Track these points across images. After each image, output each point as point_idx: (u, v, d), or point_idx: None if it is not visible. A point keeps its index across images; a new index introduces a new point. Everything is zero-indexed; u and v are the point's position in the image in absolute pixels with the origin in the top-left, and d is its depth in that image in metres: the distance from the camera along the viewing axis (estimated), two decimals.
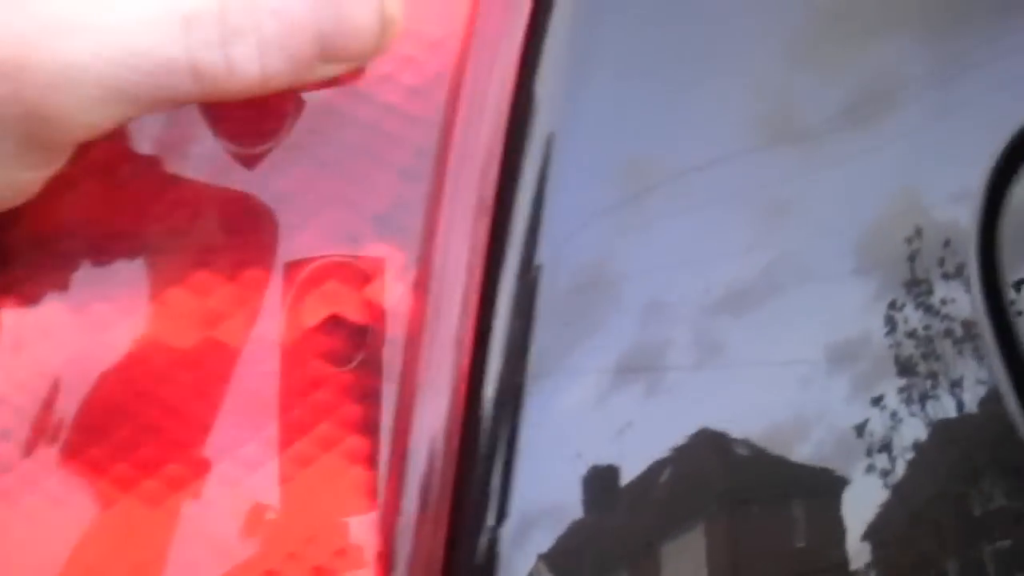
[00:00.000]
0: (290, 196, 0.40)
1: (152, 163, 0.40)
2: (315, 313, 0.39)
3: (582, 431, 0.45)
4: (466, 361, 0.40)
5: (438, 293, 0.40)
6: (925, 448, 0.52)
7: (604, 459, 0.45)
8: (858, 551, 0.51)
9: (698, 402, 0.48)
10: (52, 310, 0.39)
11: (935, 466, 0.53)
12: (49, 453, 0.39)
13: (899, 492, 0.51)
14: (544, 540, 0.43)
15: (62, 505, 0.38)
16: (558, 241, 0.43)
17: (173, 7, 0.35)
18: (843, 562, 0.51)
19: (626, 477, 0.46)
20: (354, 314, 0.39)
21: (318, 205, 0.40)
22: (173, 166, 0.40)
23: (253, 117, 0.40)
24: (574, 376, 0.44)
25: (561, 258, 0.43)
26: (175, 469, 0.38)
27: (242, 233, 0.39)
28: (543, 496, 0.43)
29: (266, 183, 0.40)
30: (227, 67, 0.35)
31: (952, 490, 0.54)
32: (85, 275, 0.40)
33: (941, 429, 0.52)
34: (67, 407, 0.39)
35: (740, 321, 0.48)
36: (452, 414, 0.41)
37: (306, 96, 0.40)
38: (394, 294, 0.40)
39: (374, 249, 0.40)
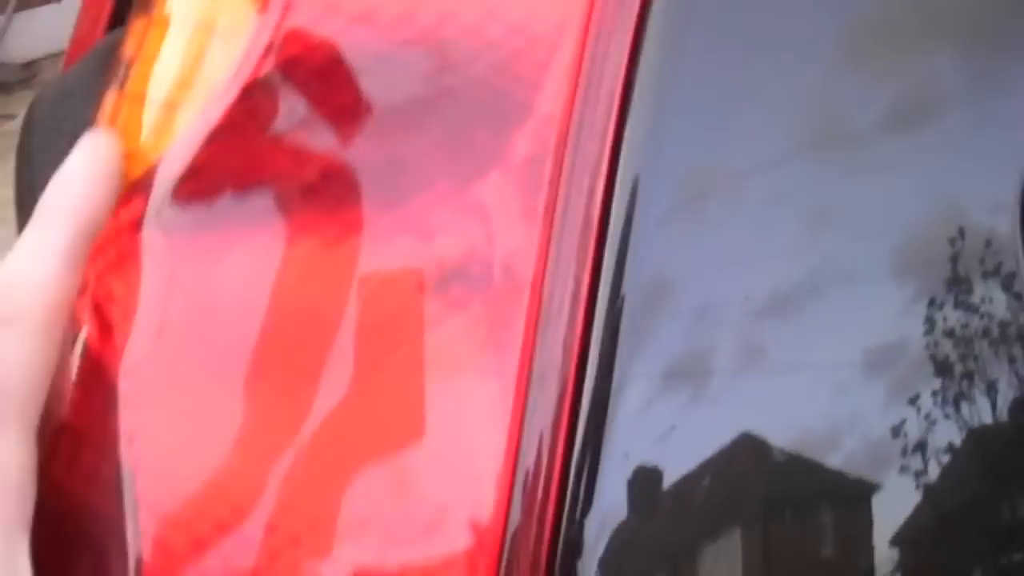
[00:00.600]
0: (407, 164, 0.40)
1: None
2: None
3: (630, 433, 0.45)
4: (573, 365, 0.41)
5: (550, 293, 0.41)
6: (959, 451, 0.52)
7: (649, 462, 0.46)
8: (887, 558, 0.51)
9: (740, 407, 0.48)
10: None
11: (968, 470, 0.53)
12: None
13: (931, 496, 0.52)
14: (597, 542, 0.44)
15: None
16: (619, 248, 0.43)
17: None
18: (872, 569, 0.51)
19: (668, 481, 0.46)
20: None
21: (431, 177, 0.40)
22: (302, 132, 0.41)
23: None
24: (628, 381, 0.45)
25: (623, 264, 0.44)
26: None
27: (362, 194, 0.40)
28: (600, 497, 0.44)
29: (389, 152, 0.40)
30: None
31: (984, 496, 0.54)
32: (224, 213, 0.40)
33: (975, 432, 0.52)
34: None
35: (782, 325, 0.48)
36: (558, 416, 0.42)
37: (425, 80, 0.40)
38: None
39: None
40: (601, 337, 0.42)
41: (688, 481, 0.46)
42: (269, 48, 0.39)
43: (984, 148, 0.50)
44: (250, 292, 0.39)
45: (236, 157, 0.39)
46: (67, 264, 0.39)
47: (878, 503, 0.50)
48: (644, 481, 0.45)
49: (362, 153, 0.40)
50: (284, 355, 0.39)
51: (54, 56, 5.32)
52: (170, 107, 0.41)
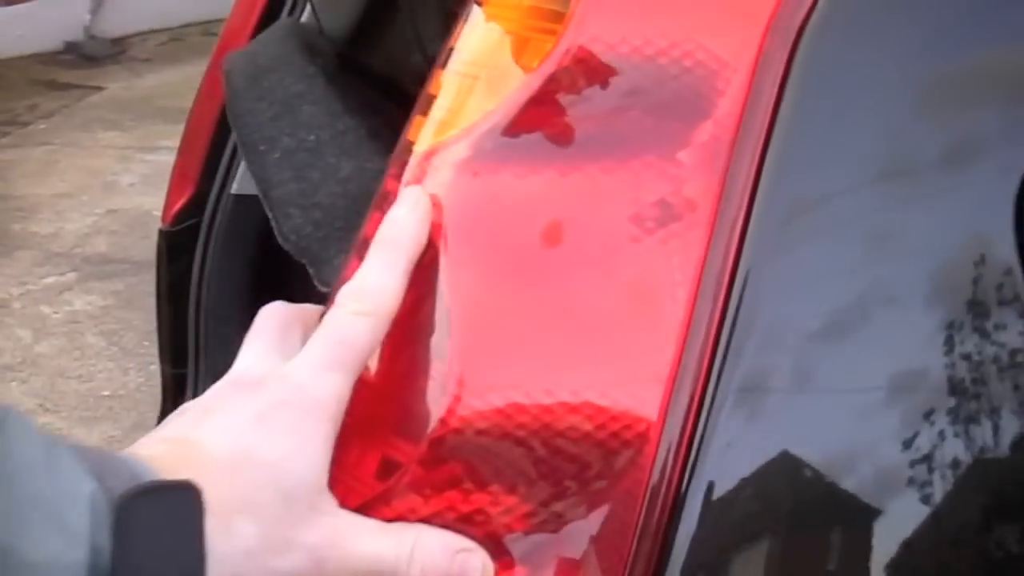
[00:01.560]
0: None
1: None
2: None
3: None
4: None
5: (719, 225, 0.62)
6: (963, 468, 0.62)
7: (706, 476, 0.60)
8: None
9: (784, 425, 0.61)
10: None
11: (970, 487, 0.63)
12: None
13: (935, 514, 0.62)
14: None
15: None
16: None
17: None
18: None
19: (717, 494, 0.60)
20: None
21: (646, 148, 0.62)
22: None
23: None
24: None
25: None
26: None
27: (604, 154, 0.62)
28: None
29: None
30: None
31: (982, 517, 0.65)
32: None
33: (979, 453, 0.63)
34: None
35: (830, 348, 0.61)
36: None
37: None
38: None
39: None
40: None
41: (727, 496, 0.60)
42: (566, 53, 0.61)
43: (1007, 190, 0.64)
44: (534, 207, 0.61)
45: (538, 122, 0.62)
46: (403, 279, 0.61)
47: (884, 520, 0.62)
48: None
49: (608, 130, 0.62)
50: (547, 258, 0.61)
51: (143, 34, 5.58)
52: (487, 83, 0.63)
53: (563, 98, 0.61)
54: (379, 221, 0.63)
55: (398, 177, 0.64)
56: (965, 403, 0.63)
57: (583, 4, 0.61)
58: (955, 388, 0.63)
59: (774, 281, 0.61)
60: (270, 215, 0.96)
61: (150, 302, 1.95)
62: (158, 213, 3.77)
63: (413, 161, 0.64)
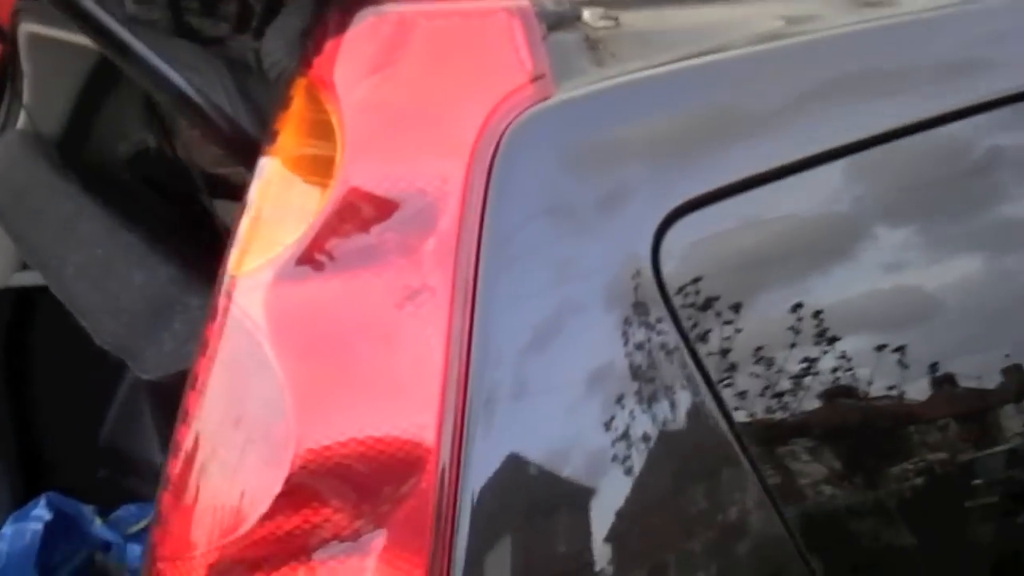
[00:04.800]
0: None
1: None
2: None
3: None
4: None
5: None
6: (652, 443, 0.89)
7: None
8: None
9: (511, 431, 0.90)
10: None
11: (660, 461, 0.88)
12: None
13: (636, 485, 0.88)
14: None
15: None
16: None
17: None
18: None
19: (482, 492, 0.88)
20: None
21: None
22: None
23: None
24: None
25: None
26: None
27: None
28: None
29: None
30: None
31: (671, 484, 0.91)
32: None
33: (663, 425, 0.89)
34: None
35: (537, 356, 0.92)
36: None
37: None
38: None
39: None
40: None
41: None
42: (338, 199, 0.88)
43: None
44: (330, 306, 0.88)
45: (325, 249, 0.89)
46: None
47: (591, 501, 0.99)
48: None
49: (374, 245, 0.90)
50: (341, 339, 0.88)
51: None
52: (280, 222, 0.90)
53: (340, 229, 0.88)
54: (215, 328, 0.89)
55: (226, 295, 0.90)
56: (644, 384, 0.89)
57: (346, 157, 0.89)
58: (635, 373, 0.89)
59: (497, 318, 0.89)
60: (83, 322, 1.18)
61: None
62: None
63: (230, 283, 0.90)
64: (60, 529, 1.87)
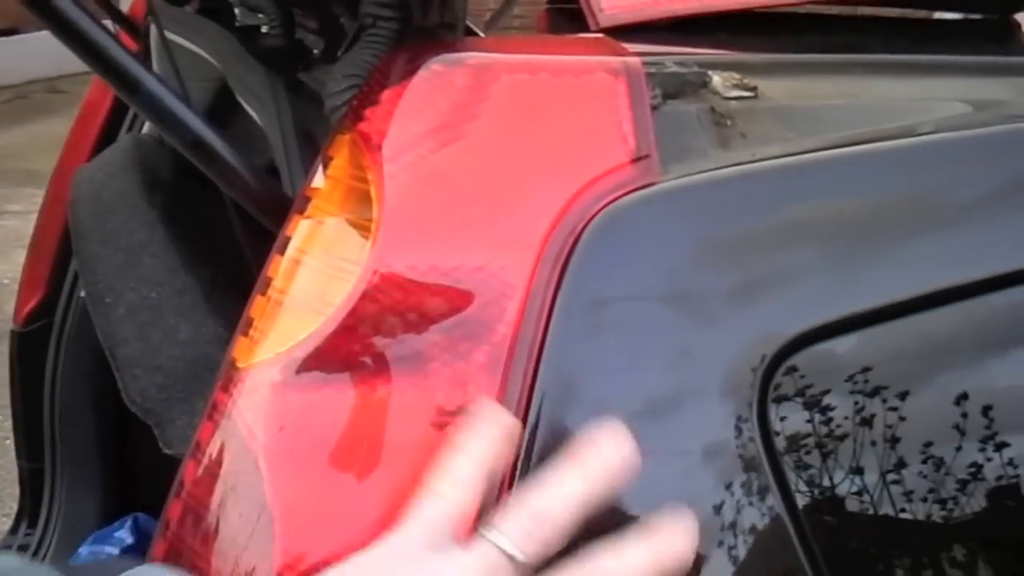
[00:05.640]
0: None
1: None
2: None
3: None
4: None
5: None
6: (761, 533, 0.73)
7: None
8: None
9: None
10: None
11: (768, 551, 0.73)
12: None
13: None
14: None
15: None
16: None
17: None
18: None
19: None
20: None
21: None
22: None
23: None
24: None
25: None
26: None
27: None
28: None
29: None
30: None
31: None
32: None
33: (762, 523, 0.73)
34: None
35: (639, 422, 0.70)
36: None
37: None
38: None
39: None
40: None
41: None
42: (367, 285, 0.71)
43: None
44: (342, 421, 0.71)
45: (344, 347, 0.71)
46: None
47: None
48: None
49: (405, 350, 0.72)
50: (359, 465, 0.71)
51: None
52: (300, 308, 0.73)
53: (362, 327, 0.71)
54: (207, 431, 0.72)
55: (224, 389, 0.73)
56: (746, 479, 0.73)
57: (380, 237, 0.71)
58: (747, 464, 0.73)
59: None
60: (116, 374, 1.04)
61: (3, 374, 1.99)
62: (7, 282, 3.74)
63: (234, 376, 0.73)
64: (144, 554, 1.75)
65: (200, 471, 0.73)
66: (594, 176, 0.74)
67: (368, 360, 0.70)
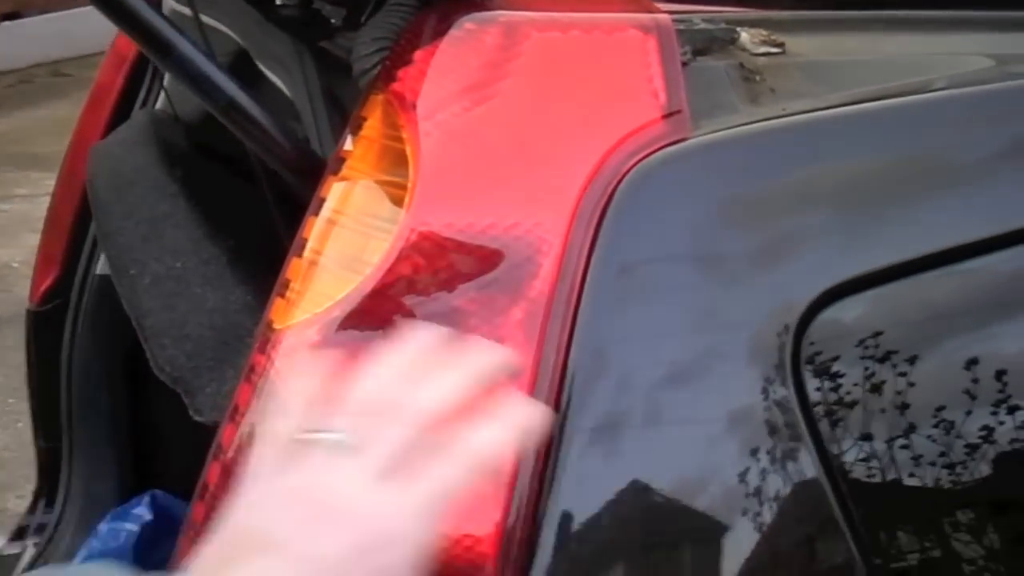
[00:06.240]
0: None
1: None
2: None
3: None
4: None
5: None
6: (784, 498, 0.72)
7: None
8: None
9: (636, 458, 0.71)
10: None
11: (791, 514, 0.72)
12: None
13: (764, 536, 0.71)
14: None
15: None
16: None
17: None
18: None
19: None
20: None
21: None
22: None
23: None
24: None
25: None
26: None
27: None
28: None
29: None
30: None
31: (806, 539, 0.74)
32: None
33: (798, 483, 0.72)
34: None
35: (675, 389, 0.71)
36: None
37: None
38: None
39: None
40: None
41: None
42: (402, 248, 0.71)
43: None
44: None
45: (379, 308, 0.72)
46: None
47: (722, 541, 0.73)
48: None
49: (439, 309, 0.72)
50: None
51: None
52: (335, 270, 0.73)
53: (399, 286, 0.71)
54: (247, 392, 0.73)
55: (261, 350, 0.74)
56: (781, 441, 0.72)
57: (417, 195, 0.71)
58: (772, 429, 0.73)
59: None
60: (144, 344, 1.04)
61: (12, 357, 1.99)
62: (16, 265, 3.75)
63: (272, 337, 0.73)
64: (163, 531, 1.75)
65: (239, 435, 0.73)
66: (626, 132, 0.74)
67: (406, 318, 0.71)
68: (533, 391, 0.70)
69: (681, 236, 0.74)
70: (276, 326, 0.74)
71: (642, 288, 0.73)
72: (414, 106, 0.73)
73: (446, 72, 0.74)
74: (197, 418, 0.95)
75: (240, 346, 0.97)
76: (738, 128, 0.77)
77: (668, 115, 0.75)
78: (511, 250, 0.71)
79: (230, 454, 0.73)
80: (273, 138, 0.78)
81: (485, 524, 0.68)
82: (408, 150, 0.72)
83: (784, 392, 0.73)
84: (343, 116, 0.89)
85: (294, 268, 0.74)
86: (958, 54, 0.90)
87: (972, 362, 0.79)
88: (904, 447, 0.76)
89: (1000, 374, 0.80)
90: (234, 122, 0.78)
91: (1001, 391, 0.79)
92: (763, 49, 0.82)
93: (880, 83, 0.83)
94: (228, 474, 0.73)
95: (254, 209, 1.18)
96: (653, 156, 0.74)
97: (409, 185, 0.71)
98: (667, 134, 0.75)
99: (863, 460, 0.76)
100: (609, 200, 0.72)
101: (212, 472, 0.74)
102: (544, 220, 0.71)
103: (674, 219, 0.74)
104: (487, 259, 0.71)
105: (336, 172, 0.75)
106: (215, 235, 1.12)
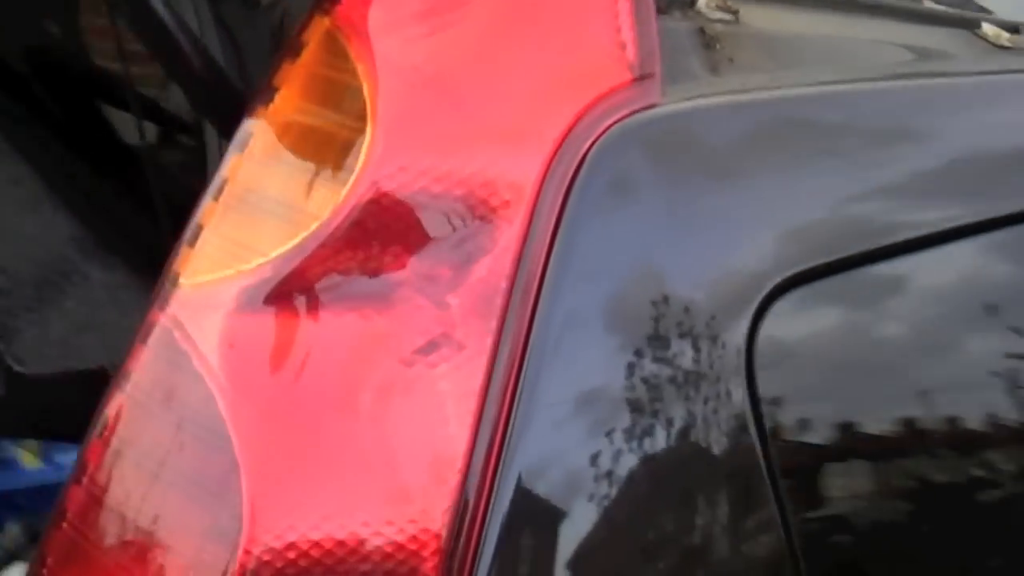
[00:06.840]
0: None
1: None
2: None
3: None
4: None
5: None
6: (638, 477, 0.66)
7: None
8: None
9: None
10: None
11: (646, 494, 0.67)
12: None
13: (613, 520, 0.66)
14: None
15: None
16: None
17: None
18: None
19: None
20: None
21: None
22: None
23: None
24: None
25: None
26: None
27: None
28: None
29: None
30: None
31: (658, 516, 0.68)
32: None
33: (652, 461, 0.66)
34: None
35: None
36: None
37: None
38: None
39: None
40: None
41: None
42: (355, 200, 0.61)
43: None
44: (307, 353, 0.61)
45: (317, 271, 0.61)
46: None
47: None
48: None
49: (383, 276, 0.62)
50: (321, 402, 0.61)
51: None
52: (260, 219, 0.62)
53: (351, 244, 0.61)
54: (143, 357, 0.61)
55: (163, 308, 0.62)
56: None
57: (375, 141, 0.61)
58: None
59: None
60: None
61: None
62: None
63: (179, 294, 0.61)
64: None
65: (131, 405, 0.61)
66: (600, 93, 0.66)
67: (346, 284, 0.61)
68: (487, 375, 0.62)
69: (654, 207, 0.67)
70: (184, 281, 0.62)
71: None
72: (368, 34, 0.62)
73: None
74: (17, 368, 0.81)
75: (67, 286, 0.83)
76: (704, 98, 0.71)
77: (640, 78, 0.67)
78: (479, 207, 0.62)
79: (116, 429, 0.61)
80: (183, 50, 0.65)
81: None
82: (365, 86, 0.62)
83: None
84: (235, 46, 0.77)
85: (209, 212, 0.63)
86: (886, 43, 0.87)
87: None
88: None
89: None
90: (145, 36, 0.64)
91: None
92: (719, 15, 0.76)
93: (827, 67, 0.79)
94: (114, 454, 0.62)
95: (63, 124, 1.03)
96: (624, 120, 0.66)
97: (368, 126, 0.61)
98: (637, 98, 0.67)
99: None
100: (580, 162, 0.64)
101: (93, 450, 0.62)
102: (516, 174, 0.63)
103: (646, 186, 0.67)
104: (454, 214, 0.62)
105: (267, 103, 0.63)
106: (24, 149, 0.96)
